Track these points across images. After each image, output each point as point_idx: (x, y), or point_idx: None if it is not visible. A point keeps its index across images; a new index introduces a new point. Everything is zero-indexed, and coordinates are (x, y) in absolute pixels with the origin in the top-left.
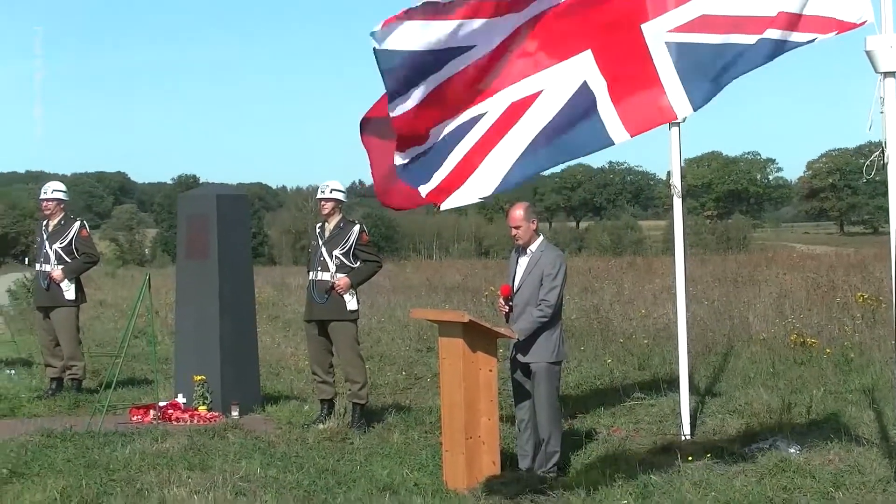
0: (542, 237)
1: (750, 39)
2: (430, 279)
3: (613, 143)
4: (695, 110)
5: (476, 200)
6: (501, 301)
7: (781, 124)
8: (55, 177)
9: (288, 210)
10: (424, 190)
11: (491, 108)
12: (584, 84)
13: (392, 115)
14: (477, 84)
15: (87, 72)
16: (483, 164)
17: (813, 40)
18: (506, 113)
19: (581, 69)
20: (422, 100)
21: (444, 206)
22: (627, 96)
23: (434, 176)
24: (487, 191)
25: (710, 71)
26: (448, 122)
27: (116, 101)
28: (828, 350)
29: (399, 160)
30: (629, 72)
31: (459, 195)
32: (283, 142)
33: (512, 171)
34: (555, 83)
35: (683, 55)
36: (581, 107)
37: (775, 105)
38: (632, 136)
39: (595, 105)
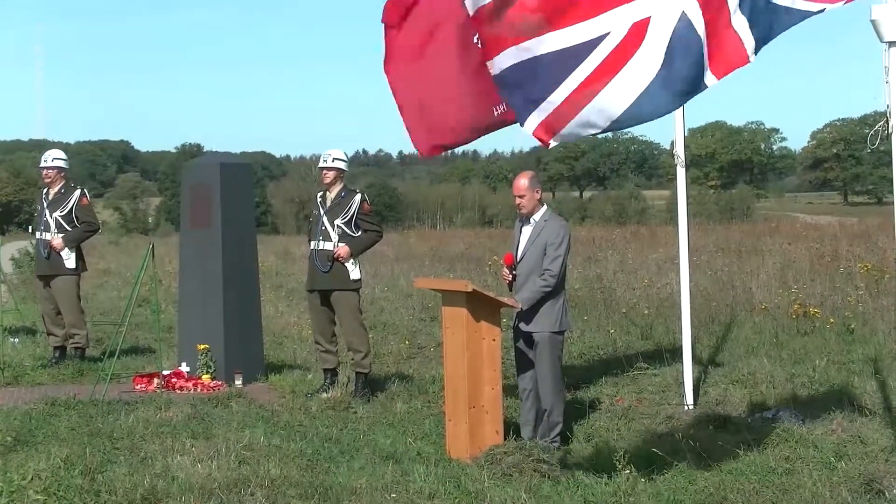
0: (545, 206)
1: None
2: (434, 248)
3: (707, 87)
4: (756, 54)
5: (588, 135)
6: (505, 270)
7: (786, 94)
8: (58, 145)
9: (291, 179)
10: (532, 122)
11: (614, 27)
12: (684, 14)
13: (471, 12)
14: None
15: (90, 39)
16: (602, 93)
17: (823, 10)
18: (630, 34)
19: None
20: None
21: (553, 143)
22: (714, 34)
23: (545, 102)
24: (603, 124)
25: (762, 19)
26: (561, 33)
27: (120, 69)
28: (831, 320)
29: (495, 68)
30: (714, 5)
31: (571, 130)
32: (287, 110)
33: (637, 104)
34: (660, 8)
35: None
36: (686, 43)
37: (780, 75)
38: (717, 80)
39: (699, 42)
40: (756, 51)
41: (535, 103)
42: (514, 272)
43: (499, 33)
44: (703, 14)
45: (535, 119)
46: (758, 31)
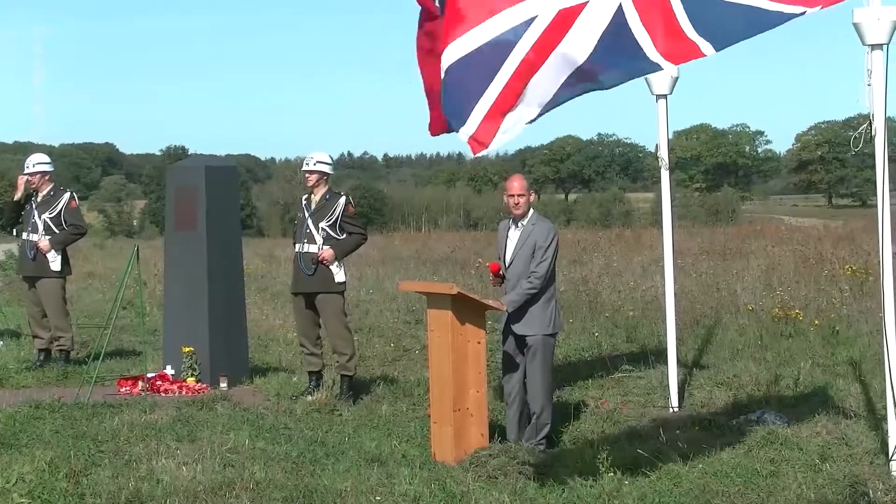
0: (532, 210)
1: (756, 2)
2: (419, 251)
3: (661, 69)
4: (717, 51)
5: (524, 126)
6: (492, 277)
7: (770, 96)
8: (42, 147)
9: (277, 182)
10: (465, 132)
11: (541, 11)
12: (620, 7)
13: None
14: None
15: (74, 41)
16: (531, 84)
17: (803, 13)
18: (555, 21)
19: None
20: None
21: (492, 147)
22: (657, 28)
23: (475, 110)
24: (534, 112)
25: (719, 24)
26: (489, 23)
27: (104, 71)
28: (816, 322)
29: (445, 62)
30: (654, 6)
31: (506, 130)
32: (272, 113)
33: (560, 90)
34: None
35: (695, 4)
36: (620, 31)
37: (764, 77)
38: (675, 65)
39: (632, 31)
40: (722, 46)
41: (470, 104)
42: (502, 274)
43: (450, 26)
44: (637, 10)
45: (468, 129)
46: (712, 30)
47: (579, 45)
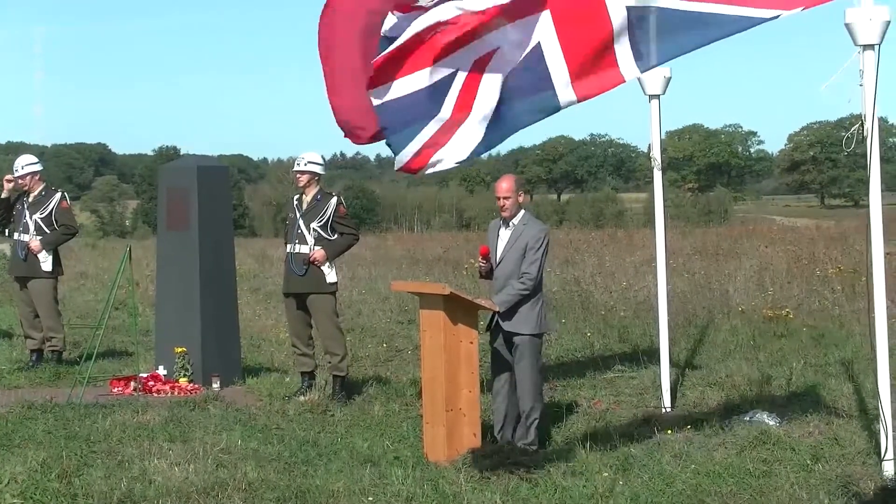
0: (524, 210)
1: (714, 9)
2: (412, 251)
3: (560, 108)
4: (642, 72)
5: (452, 166)
6: (481, 261)
7: (763, 97)
8: (34, 148)
9: (269, 182)
10: (404, 156)
11: (461, 64)
12: (538, 46)
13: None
14: (444, 37)
15: (68, 42)
16: (461, 129)
17: (777, 16)
18: (472, 71)
19: (538, 29)
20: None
21: (420, 175)
22: (581, 60)
23: (413, 142)
24: (462, 155)
25: (667, 35)
26: (423, 73)
27: (97, 71)
28: (808, 322)
29: (375, 99)
30: (585, 34)
31: (438, 162)
32: (265, 113)
33: (485, 137)
34: (510, 42)
35: (642, 19)
36: (534, 71)
37: (757, 77)
38: (579, 100)
39: (547, 69)
40: (655, 62)
41: (409, 138)
42: (487, 262)
43: (386, 65)
44: (561, 45)
45: (408, 153)
46: (654, 44)
47: (490, 91)
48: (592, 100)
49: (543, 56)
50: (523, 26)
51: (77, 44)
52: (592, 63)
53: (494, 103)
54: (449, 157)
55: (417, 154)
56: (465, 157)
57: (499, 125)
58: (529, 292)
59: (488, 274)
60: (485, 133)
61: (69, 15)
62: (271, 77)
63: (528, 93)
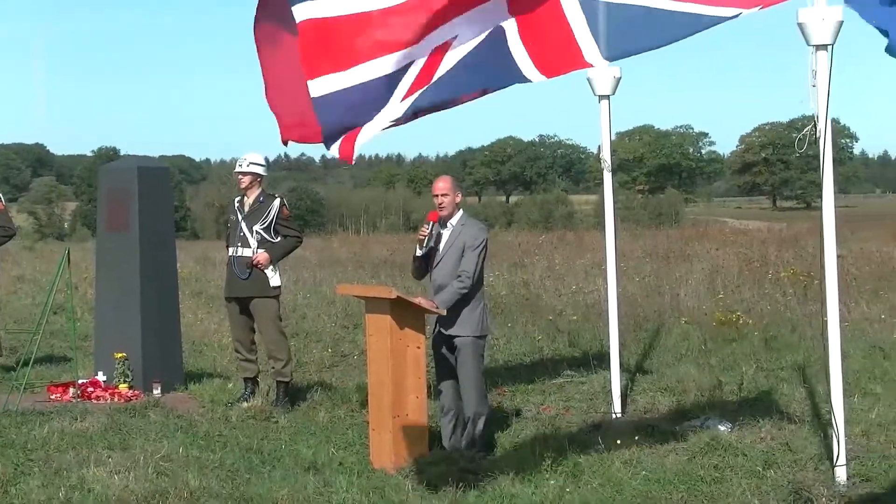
0: (461, 211)
1: (675, 6)
2: (357, 254)
3: (529, 81)
4: (608, 61)
5: (379, 131)
6: (425, 227)
7: (714, 98)
8: None
9: (211, 183)
10: (338, 144)
11: (417, 55)
12: (498, 27)
13: (298, 17)
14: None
15: (3, 41)
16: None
17: (738, 15)
18: (430, 58)
19: (494, 14)
20: (338, 16)
21: (356, 152)
22: (540, 41)
23: (355, 128)
24: (389, 119)
25: (625, 31)
26: (374, 63)
27: (34, 70)
28: (760, 326)
29: (315, 90)
30: (541, 21)
31: (366, 132)
32: (207, 114)
33: (418, 98)
34: (469, 28)
35: (595, 11)
36: (494, 47)
37: (707, 78)
38: (547, 78)
39: (507, 46)
40: (618, 55)
41: (347, 129)
42: (429, 238)
43: (320, 56)
44: (517, 26)
45: (341, 141)
46: (613, 39)
47: (447, 64)
48: (541, 99)
49: (504, 33)
50: (482, 12)
51: (13, 43)
52: (552, 45)
53: (443, 72)
54: (379, 121)
55: (348, 137)
56: (398, 116)
57: (447, 85)
58: (468, 290)
59: (420, 268)
60: (426, 92)
61: (4, 13)
62: (214, 77)
63: (488, 61)
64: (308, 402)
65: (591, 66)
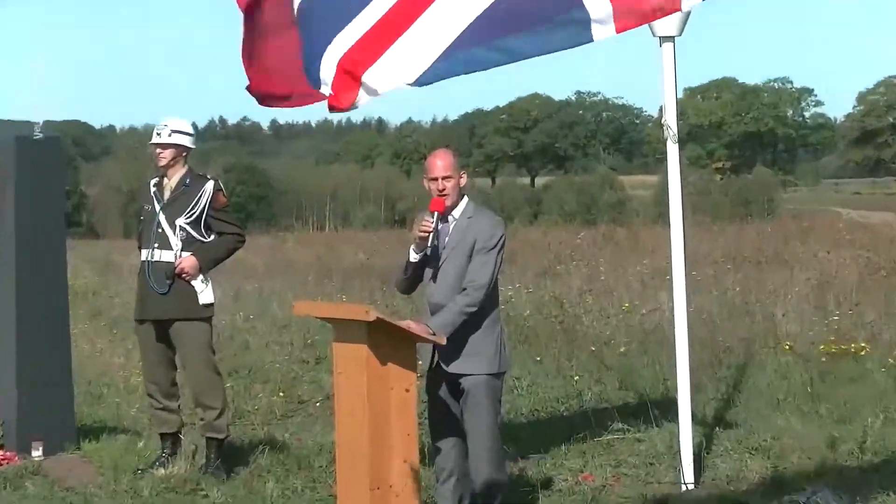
0: (467, 199)
1: None
2: (322, 258)
3: (592, 40)
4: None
5: (400, 86)
6: (428, 219)
7: (821, 42)
8: None
9: (117, 159)
10: (325, 89)
11: None
12: None
13: None
14: None
15: None
16: (404, 39)
17: None
18: None
19: None
20: None
21: (359, 102)
22: None
23: (327, 56)
24: (414, 75)
25: None
26: None
27: None
28: (889, 360)
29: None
30: None
31: (376, 80)
32: (111, 64)
33: (449, 54)
34: None
35: None
36: None
37: (812, 15)
38: (617, 32)
39: None
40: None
41: (318, 57)
42: (428, 236)
43: None
44: None
45: (326, 76)
46: None
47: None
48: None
49: None
50: None
51: None
52: None
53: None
54: (389, 76)
55: (336, 77)
56: (415, 78)
57: (473, 50)
58: (478, 309)
59: (410, 279)
60: (449, 51)
61: None
62: (122, 6)
63: (546, 9)
64: (251, 468)
65: (683, 9)
